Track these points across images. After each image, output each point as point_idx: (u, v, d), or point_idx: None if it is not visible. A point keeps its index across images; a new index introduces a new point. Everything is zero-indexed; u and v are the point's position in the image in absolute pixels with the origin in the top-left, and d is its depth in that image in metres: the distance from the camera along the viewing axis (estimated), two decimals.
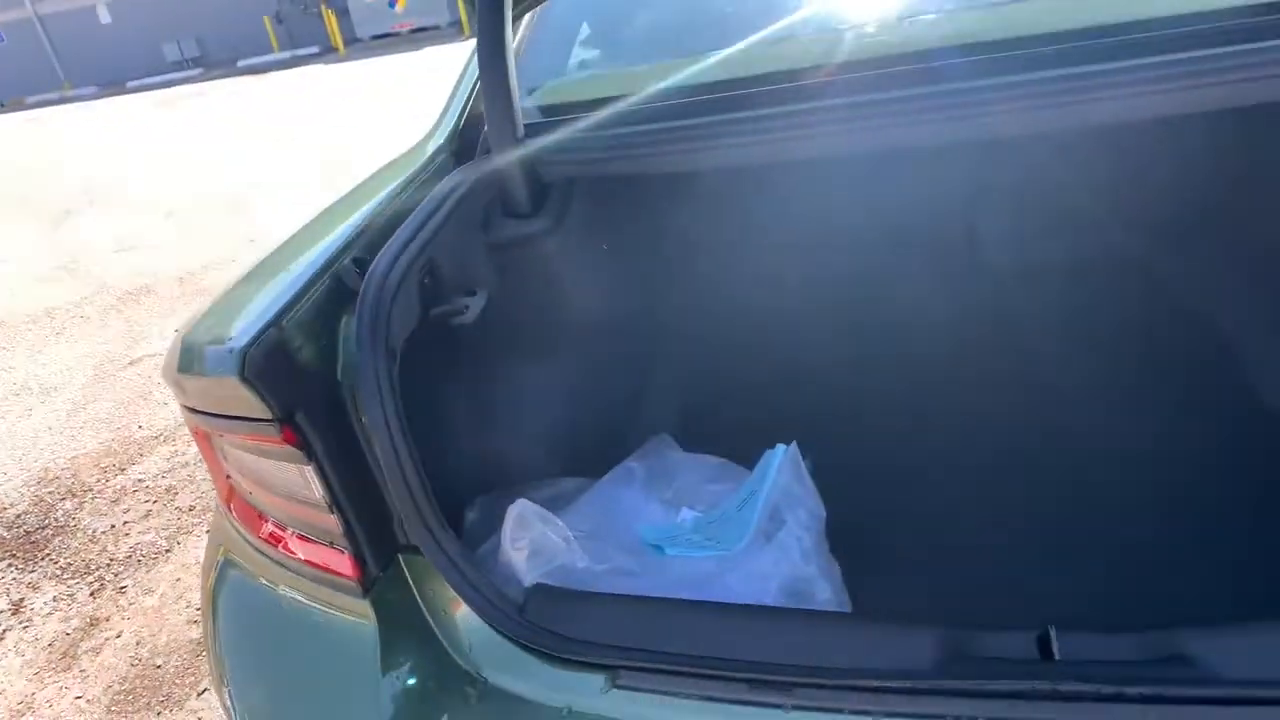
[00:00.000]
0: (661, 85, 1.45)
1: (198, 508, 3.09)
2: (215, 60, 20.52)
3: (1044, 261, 1.41)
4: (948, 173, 1.45)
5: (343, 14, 18.94)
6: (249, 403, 0.89)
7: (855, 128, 1.19)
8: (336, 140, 8.83)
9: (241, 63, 19.20)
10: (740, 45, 1.58)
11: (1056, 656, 0.82)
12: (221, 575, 1.12)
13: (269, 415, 0.90)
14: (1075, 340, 1.41)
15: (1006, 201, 1.47)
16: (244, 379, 0.87)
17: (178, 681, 2.32)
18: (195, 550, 2.84)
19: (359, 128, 9.30)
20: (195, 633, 2.48)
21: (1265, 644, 0.79)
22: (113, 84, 20.24)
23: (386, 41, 18.34)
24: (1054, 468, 1.36)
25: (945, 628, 0.87)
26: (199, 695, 2.26)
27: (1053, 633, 0.84)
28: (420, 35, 18.11)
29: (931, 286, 1.40)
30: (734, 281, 1.54)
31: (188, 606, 2.59)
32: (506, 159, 1.31)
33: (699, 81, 1.44)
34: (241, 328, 0.92)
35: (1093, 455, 1.36)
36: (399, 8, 17.57)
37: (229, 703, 1.03)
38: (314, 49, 19.38)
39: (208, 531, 1.35)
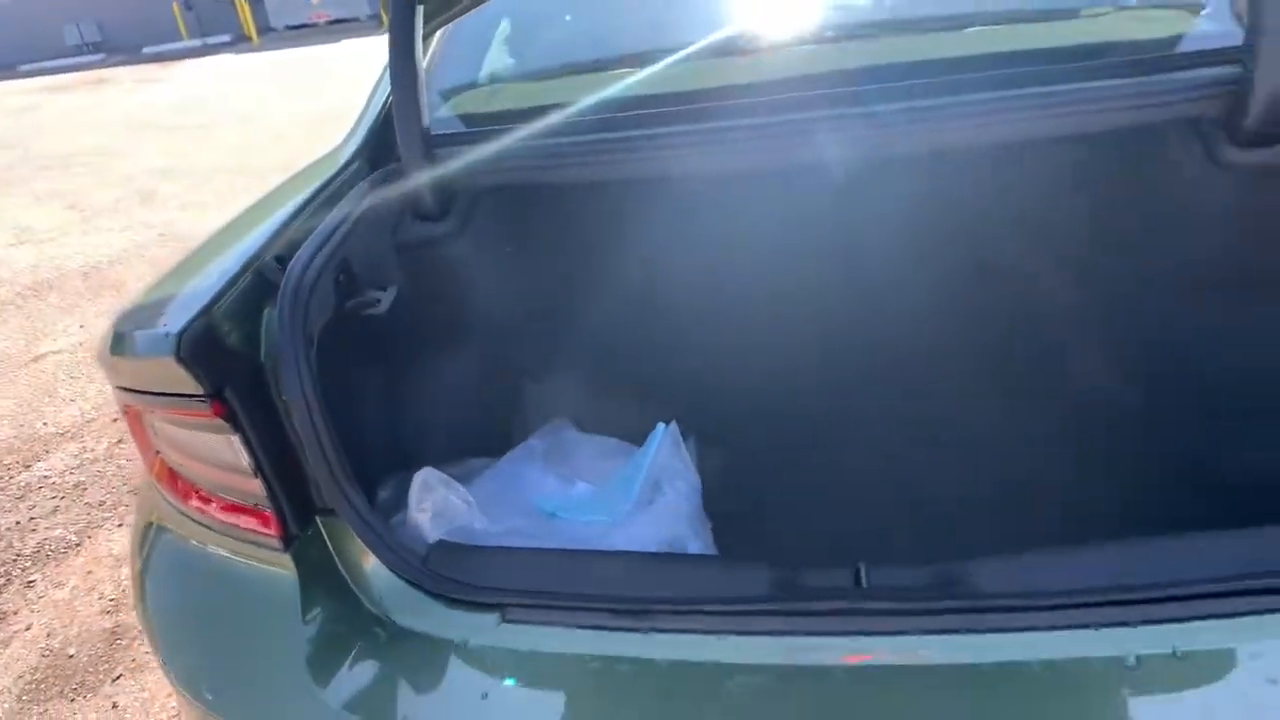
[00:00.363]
0: (566, 100, 1.61)
1: (108, 503, 3.09)
2: (118, 46, 19.67)
3: (920, 266, 1.63)
4: (842, 185, 1.64)
5: (257, 2, 18.44)
6: (183, 380, 1.01)
7: (747, 147, 1.38)
8: (245, 128, 8.68)
9: (147, 49, 18.47)
10: (643, 67, 1.76)
11: (864, 585, 1.02)
12: (151, 539, 1.23)
13: (200, 391, 1.02)
14: (935, 334, 1.64)
15: (895, 213, 1.67)
16: (179, 359, 0.99)
17: (91, 670, 2.36)
18: (107, 543, 2.85)
19: (265, 114, 9.16)
20: (108, 622, 2.51)
21: (1014, 570, 1.01)
22: (4, 68, 19.18)
23: (302, 32, 17.93)
24: (903, 447, 1.58)
25: (781, 566, 1.06)
26: (114, 681, 2.31)
27: (862, 568, 1.04)
28: (338, 27, 17.78)
29: (812, 289, 1.61)
30: (631, 280, 1.71)
31: (100, 598, 2.62)
32: (415, 168, 1.45)
33: (601, 98, 1.60)
34: (175, 315, 1.04)
35: (935, 438, 1.58)
36: None
37: (162, 657, 1.14)
38: (225, 37, 18.78)
39: (132, 519, 1.43)
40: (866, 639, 0.96)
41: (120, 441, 3.45)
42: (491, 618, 1.05)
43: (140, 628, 2.44)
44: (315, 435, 1.07)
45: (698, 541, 1.38)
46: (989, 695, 0.90)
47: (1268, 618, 0.89)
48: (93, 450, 3.42)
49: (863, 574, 1.03)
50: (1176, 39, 1.53)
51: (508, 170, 1.49)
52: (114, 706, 2.23)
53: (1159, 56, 1.44)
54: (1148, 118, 1.35)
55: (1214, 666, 0.88)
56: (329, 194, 1.42)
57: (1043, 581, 0.97)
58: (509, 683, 0.98)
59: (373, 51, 12.38)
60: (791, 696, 0.95)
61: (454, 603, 1.07)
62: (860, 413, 1.58)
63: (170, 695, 2.22)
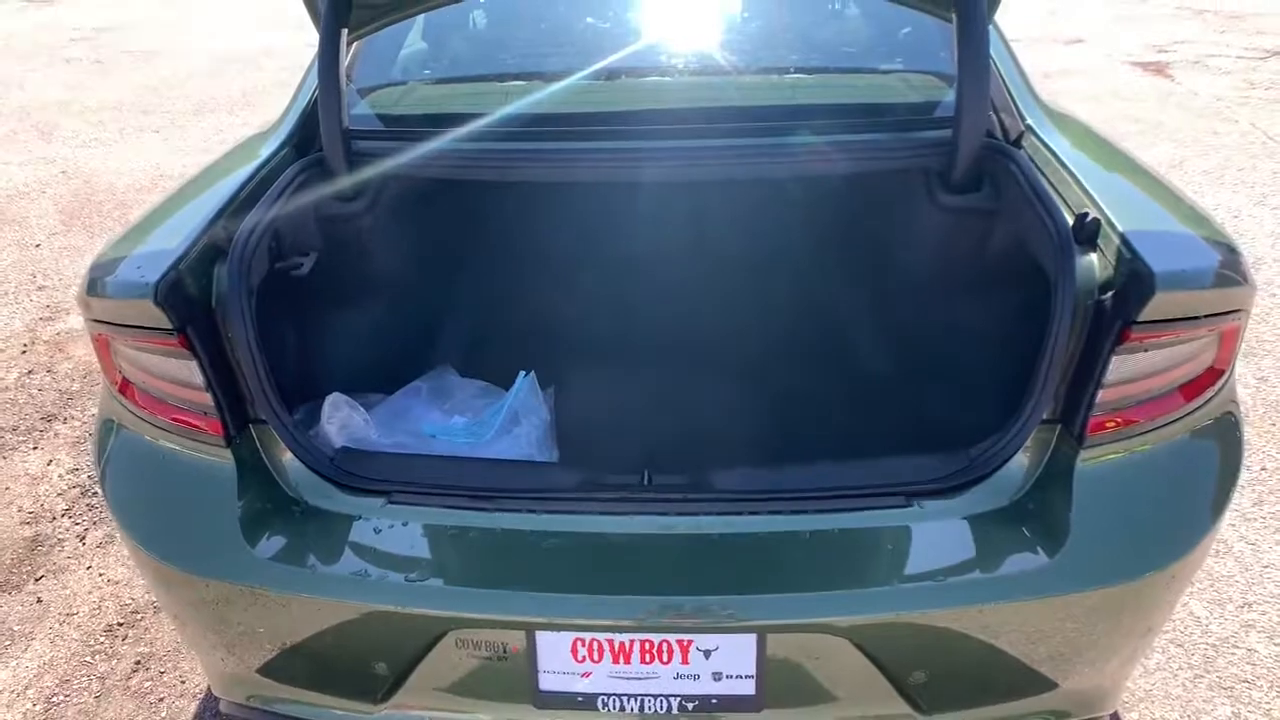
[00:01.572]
0: (464, 105, 2.00)
1: (21, 428, 3.31)
2: None
3: (721, 257, 2.12)
4: (670, 198, 2.12)
5: None
6: (157, 318, 1.38)
7: (607, 166, 1.82)
8: (153, 63, 8.52)
9: None
10: (530, 82, 2.17)
11: (647, 482, 1.49)
12: (113, 436, 1.59)
13: (170, 326, 1.39)
14: (733, 306, 2.16)
15: (708, 223, 2.16)
16: (157, 303, 1.36)
17: (14, 570, 2.64)
18: (23, 464, 3.09)
19: (176, 49, 8.99)
20: (28, 532, 2.79)
21: (745, 474, 1.50)
22: None
23: None
24: (699, 391, 2.10)
25: (593, 470, 1.52)
26: (36, 580, 2.60)
27: (647, 472, 1.51)
28: None
29: (639, 273, 2.08)
30: (506, 258, 2.14)
31: (19, 511, 2.88)
32: (334, 157, 1.82)
33: (493, 108, 2.00)
34: (150, 267, 1.40)
35: (724, 387, 2.11)
36: None
37: (123, 527, 1.51)
38: None
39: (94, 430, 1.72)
40: (641, 518, 1.43)
41: (31, 372, 3.64)
42: (379, 500, 1.47)
43: (60, 535, 2.73)
44: (253, 363, 1.45)
45: (543, 460, 1.83)
46: (720, 556, 1.39)
47: (896, 510, 1.41)
48: (2, 379, 3.61)
49: (646, 476, 1.51)
50: (929, 105, 2.04)
51: (409, 165, 1.88)
52: (38, 601, 2.53)
53: (911, 119, 1.95)
54: (898, 165, 1.86)
55: (856, 539, 1.39)
56: (264, 174, 1.78)
57: (756, 484, 1.46)
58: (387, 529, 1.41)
59: None
60: (588, 553, 1.41)
61: (352, 490, 1.49)
62: (662, 365, 2.09)
63: (90, 591, 2.54)
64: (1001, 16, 1.88)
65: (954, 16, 1.70)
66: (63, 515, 2.86)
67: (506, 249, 2.09)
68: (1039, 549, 1.35)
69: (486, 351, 2.16)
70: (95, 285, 1.47)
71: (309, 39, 1.92)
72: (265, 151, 1.91)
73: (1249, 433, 2.96)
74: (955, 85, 1.71)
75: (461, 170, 1.87)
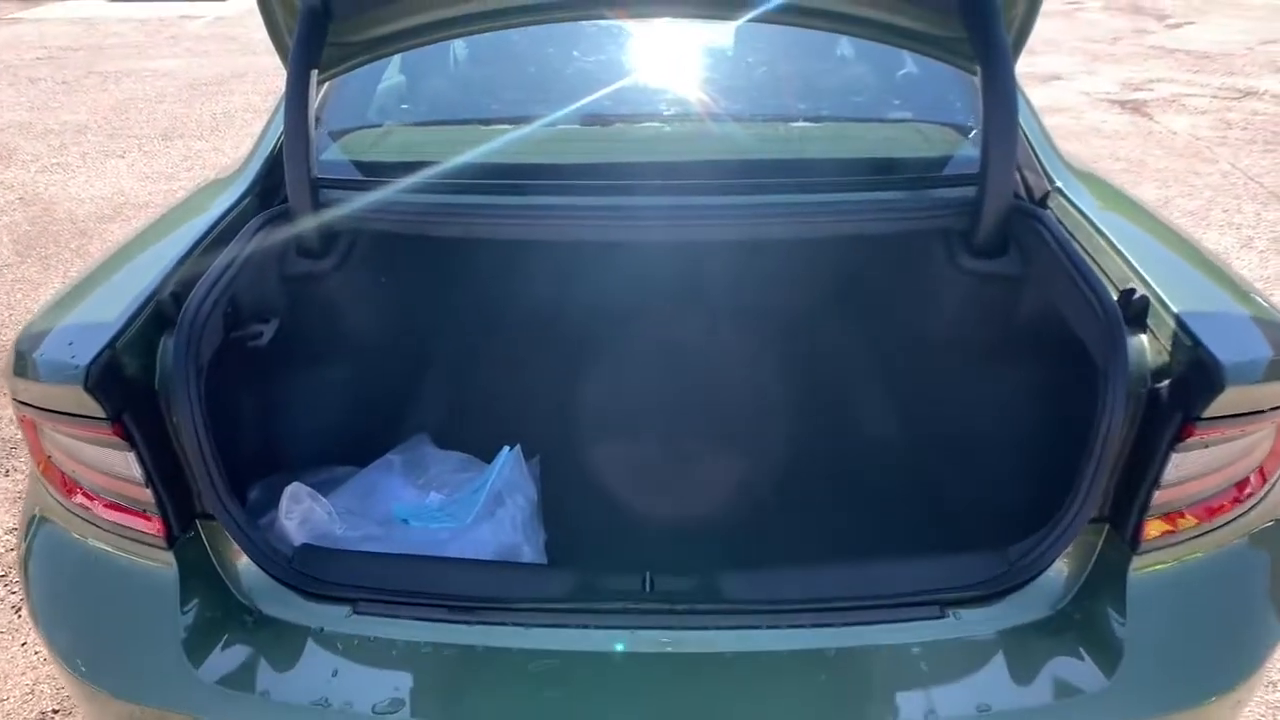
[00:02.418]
0: (442, 154, 1.84)
1: None
2: None
3: (726, 329, 1.96)
4: (667, 259, 1.96)
5: None
6: (88, 405, 1.19)
7: (595, 225, 1.66)
8: (121, 84, 8.27)
9: None
10: (512, 128, 2.01)
11: (649, 589, 1.33)
12: (39, 533, 1.39)
13: (103, 415, 1.20)
14: (736, 379, 1.99)
15: (708, 287, 2.00)
16: (87, 389, 1.17)
17: None
18: None
19: (143, 70, 8.75)
20: None
21: (761, 580, 1.33)
22: None
23: None
24: (701, 473, 1.91)
25: (588, 572, 1.35)
26: None
27: (649, 575, 1.34)
28: None
29: (641, 333, 1.92)
30: (487, 320, 1.97)
31: None
32: (301, 211, 1.65)
33: (472, 159, 1.84)
34: (81, 346, 1.22)
35: (730, 468, 1.93)
36: None
37: (46, 637, 1.31)
38: None
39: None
40: (645, 633, 1.26)
41: None
42: (344, 609, 1.29)
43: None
44: (200, 453, 1.27)
45: (530, 547, 1.66)
46: (735, 677, 1.22)
47: (928, 622, 1.26)
48: None
49: (648, 580, 1.34)
50: (945, 159, 1.92)
51: (384, 219, 1.72)
52: None
53: (929, 175, 1.82)
54: (914, 226, 1.72)
55: (885, 657, 1.23)
56: (220, 230, 1.60)
57: (774, 592, 1.30)
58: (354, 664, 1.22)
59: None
60: (585, 676, 1.24)
61: (313, 596, 1.31)
62: (668, 445, 1.90)
63: (24, 672, 2.31)
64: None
65: (979, 69, 1.57)
66: None
67: (489, 309, 1.92)
68: (1094, 667, 1.21)
69: (466, 420, 1.98)
70: (21, 364, 1.28)
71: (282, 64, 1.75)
72: (224, 201, 1.74)
73: None
74: (980, 140, 1.59)
75: (441, 225, 1.71)
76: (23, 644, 2.41)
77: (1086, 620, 1.26)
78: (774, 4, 1.60)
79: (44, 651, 2.37)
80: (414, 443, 1.86)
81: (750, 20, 1.66)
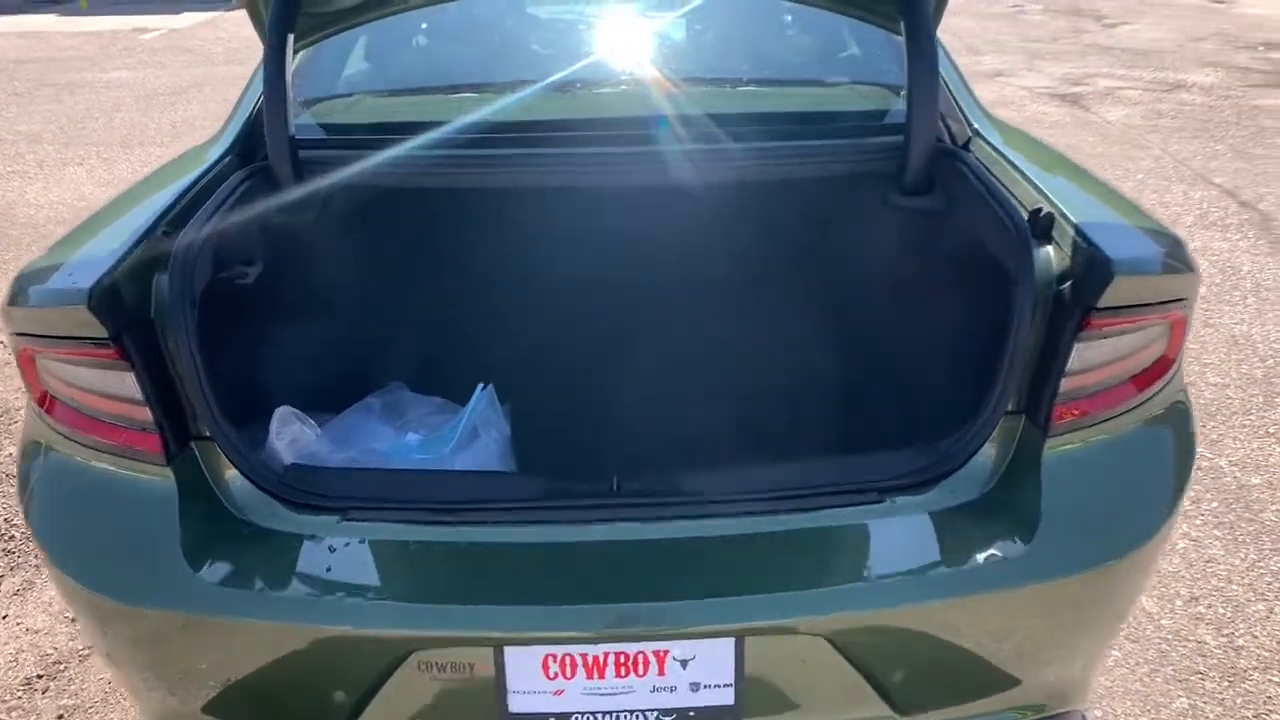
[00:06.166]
0: (411, 116, 1.95)
1: None
2: None
3: (677, 267, 2.10)
4: (623, 205, 2.10)
5: None
6: (90, 325, 1.28)
7: (558, 170, 1.79)
8: (74, 96, 8.22)
9: None
10: (477, 93, 2.14)
11: (615, 489, 1.45)
12: (39, 459, 1.47)
13: (105, 335, 1.30)
14: (692, 309, 2.15)
15: (662, 229, 2.15)
16: (90, 308, 1.27)
17: None
18: None
19: (95, 82, 8.69)
20: None
21: (719, 477, 1.47)
22: None
23: None
24: (655, 395, 2.05)
25: (556, 478, 1.47)
26: None
27: (615, 479, 1.46)
28: None
29: (592, 281, 2.05)
30: (460, 269, 2.09)
31: None
32: (280, 167, 1.76)
33: (440, 118, 1.96)
34: (83, 273, 1.31)
35: (688, 388, 2.07)
36: None
37: (51, 560, 1.39)
38: None
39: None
40: (611, 525, 1.38)
41: None
42: (333, 518, 1.39)
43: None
44: (195, 373, 1.37)
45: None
46: (694, 561, 1.35)
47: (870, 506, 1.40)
48: None
49: (614, 482, 1.46)
50: (881, 113, 2.09)
51: (357, 174, 1.83)
52: None
53: (865, 126, 1.98)
54: (850, 169, 1.88)
55: (833, 537, 1.37)
56: (207, 181, 1.70)
57: (731, 486, 1.44)
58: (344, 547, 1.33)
59: (222, 27, 11.93)
60: (557, 564, 1.36)
61: (304, 508, 1.41)
62: (624, 373, 2.05)
63: (6, 643, 2.35)
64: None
65: (902, 27, 1.74)
66: None
67: (459, 260, 2.04)
68: (1014, 539, 1.35)
69: (441, 367, 2.09)
70: (19, 295, 1.37)
71: (240, 73, 1.85)
72: (207, 159, 1.83)
73: None
74: (907, 90, 1.75)
75: (411, 178, 1.82)
76: (3, 616, 2.45)
77: (1009, 499, 1.41)
78: None
79: (26, 621, 2.42)
80: (392, 388, 1.97)
81: None
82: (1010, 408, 1.44)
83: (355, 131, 1.88)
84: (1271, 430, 3.11)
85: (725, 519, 1.38)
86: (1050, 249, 1.44)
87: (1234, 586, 2.42)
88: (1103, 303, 1.32)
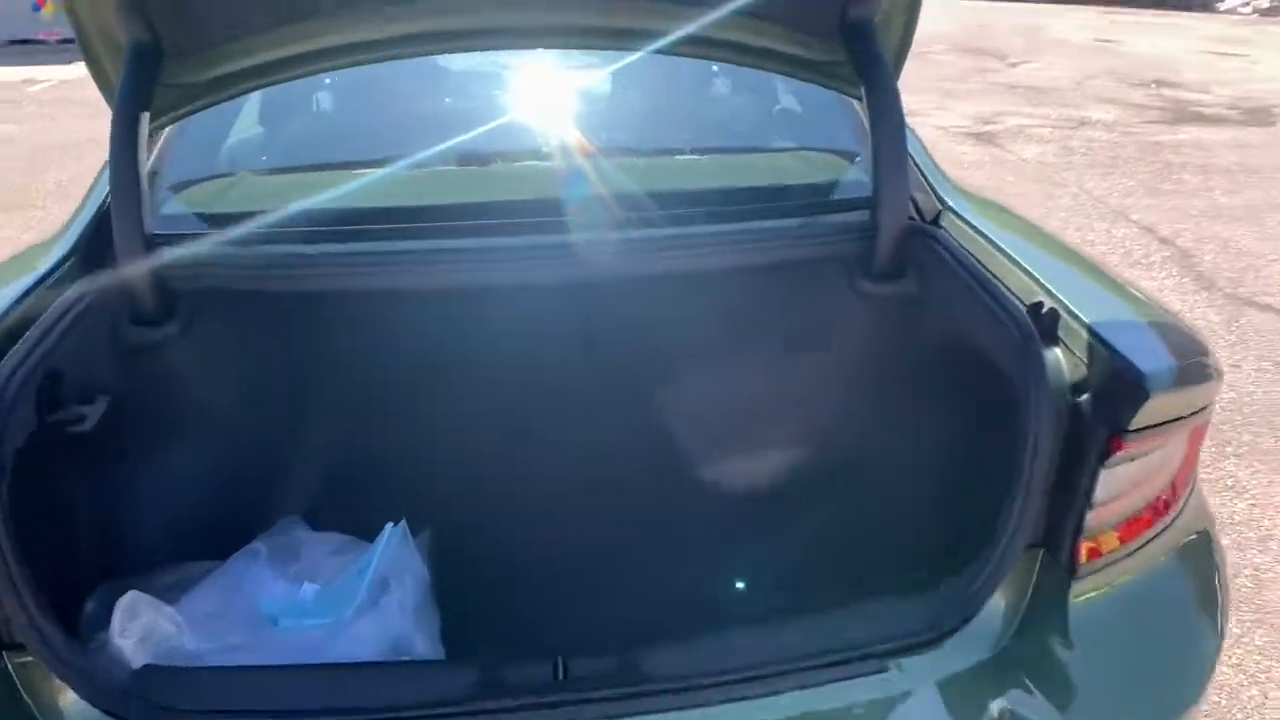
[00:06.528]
0: (298, 202, 1.65)
1: None
2: None
3: (612, 378, 1.82)
4: (555, 302, 1.80)
5: None
6: None
7: (469, 269, 1.51)
8: None
9: None
10: (373, 171, 1.84)
11: (562, 675, 1.16)
12: None
13: None
14: (636, 426, 1.85)
15: (591, 330, 1.85)
16: None
17: None
18: None
19: None
20: None
21: (686, 652, 1.20)
22: None
23: (28, 48, 15.88)
24: (599, 543, 1.73)
25: (490, 664, 1.18)
26: None
27: (560, 659, 1.18)
28: (70, 46, 15.93)
29: (516, 396, 1.76)
30: (361, 382, 1.77)
31: None
32: (133, 270, 1.44)
33: (330, 204, 1.67)
34: None
35: (639, 523, 1.77)
36: (45, 13, 15.34)
37: None
38: None
39: None
40: None
41: None
42: None
43: None
44: (6, 569, 1.03)
45: (423, 636, 1.46)
46: None
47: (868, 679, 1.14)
48: None
49: (560, 666, 1.17)
50: (833, 184, 1.88)
51: (234, 274, 1.52)
52: None
53: (820, 201, 1.77)
54: (809, 253, 1.66)
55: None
56: (32, 300, 1.37)
57: (701, 664, 1.17)
58: None
59: None
60: None
61: None
62: (565, 509, 1.74)
63: None
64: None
65: (863, 91, 1.54)
66: None
67: (362, 370, 1.73)
68: (1046, 703, 1.12)
69: (343, 496, 1.76)
70: None
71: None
72: (43, 265, 1.50)
73: None
74: (871, 163, 1.55)
75: (300, 279, 1.52)
76: None
77: (1032, 656, 1.19)
78: (648, 31, 1.53)
79: None
80: (283, 526, 1.64)
81: (621, 49, 1.59)
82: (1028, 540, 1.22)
83: (234, 222, 1.57)
84: (1229, 484, 3.03)
85: (703, 710, 1.11)
86: (1059, 352, 1.24)
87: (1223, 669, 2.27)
88: (1136, 424, 1.11)
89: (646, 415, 1.80)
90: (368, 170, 1.88)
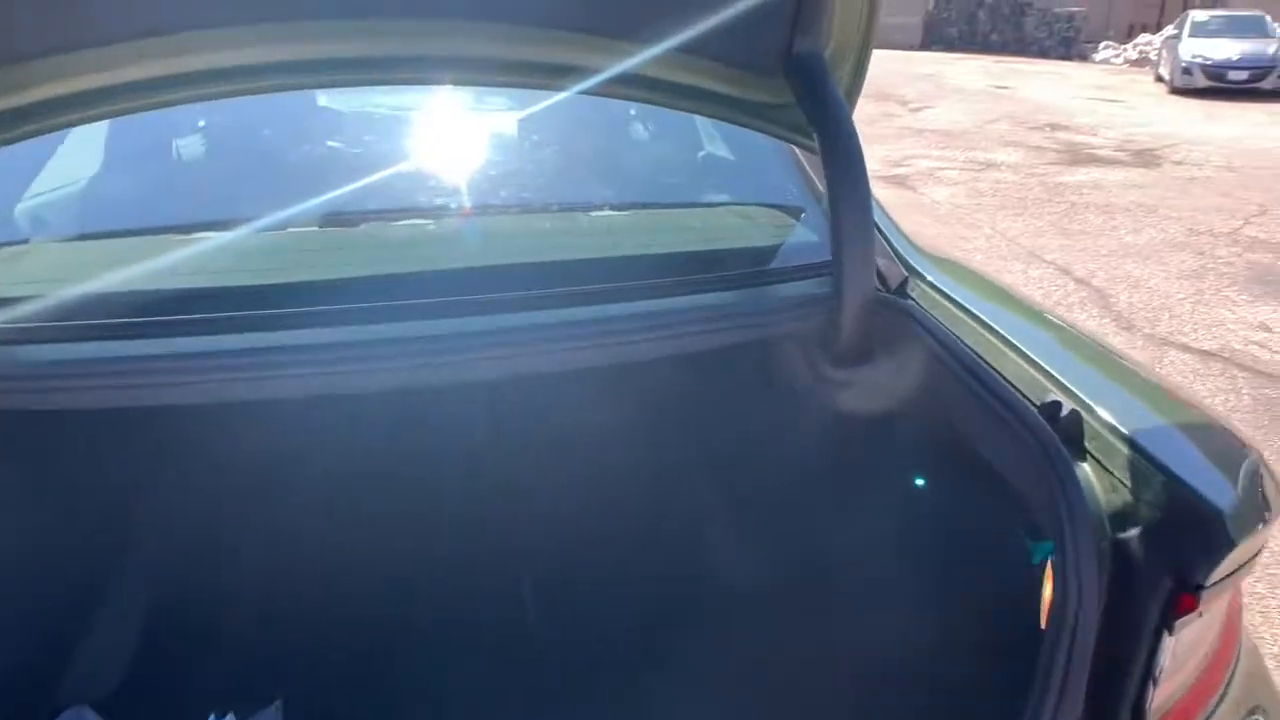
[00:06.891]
0: (115, 281, 1.25)
1: None
2: None
3: (538, 486, 1.46)
4: (446, 407, 1.44)
5: None
6: None
7: (335, 373, 1.14)
8: None
9: None
10: (187, 241, 1.44)
11: None
12: None
13: None
14: (556, 553, 1.50)
15: (496, 433, 1.50)
16: None
17: None
18: None
19: None
20: None
21: None
22: None
23: None
24: (524, 685, 1.37)
25: None
26: None
27: None
28: None
29: (412, 511, 1.38)
30: (190, 510, 1.37)
31: None
32: None
33: (173, 283, 1.28)
34: None
35: (557, 668, 1.41)
36: None
37: None
38: None
39: None
40: None
41: None
42: None
43: None
44: None
45: None
46: None
47: None
48: None
49: None
50: (779, 247, 1.59)
51: (10, 387, 1.12)
52: None
53: (766, 269, 1.48)
54: (753, 335, 1.36)
55: None
56: None
57: None
58: None
59: None
60: None
61: None
62: (464, 649, 1.36)
63: None
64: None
65: (816, 139, 1.27)
66: None
67: (181, 501, 1.32)
68: None
69: (156, 669, 1.33)
70: None
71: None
72: None
73: None
74: (830, 223, 1.27)
75: (98, 390, 1.13)
76: None
77: None
78: (572, 69, 1.22)
79: None
80: (71, 716, 1.21)
81: (541, 88, 1.28)
82: None
83: (6, 308, 1.17)
84: None
85: None
86: (1089, 469, 0.97)
87: None
88: (1212, 578, 0.84)
89: (567, 538, 1.45)
90: (208, 233, 1.48)
